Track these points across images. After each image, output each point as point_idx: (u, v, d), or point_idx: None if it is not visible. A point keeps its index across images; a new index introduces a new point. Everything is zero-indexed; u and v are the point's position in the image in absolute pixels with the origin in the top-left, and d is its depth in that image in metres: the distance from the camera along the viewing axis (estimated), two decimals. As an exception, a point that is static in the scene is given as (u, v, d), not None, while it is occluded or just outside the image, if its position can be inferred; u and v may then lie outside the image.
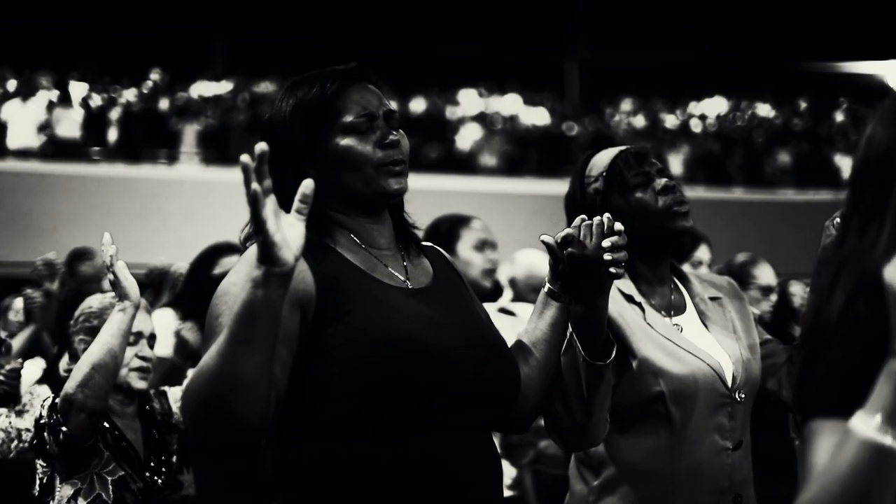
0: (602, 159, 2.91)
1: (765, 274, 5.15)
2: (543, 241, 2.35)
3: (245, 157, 1.79)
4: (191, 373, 4.59)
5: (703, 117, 22.06)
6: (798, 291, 5.41)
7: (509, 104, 21.31)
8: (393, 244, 2.33)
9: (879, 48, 23.25)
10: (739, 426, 2.79)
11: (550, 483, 5.02)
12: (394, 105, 2.38)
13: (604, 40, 23.47)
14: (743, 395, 2.79)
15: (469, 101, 21.11)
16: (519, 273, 6.11)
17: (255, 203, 1.80)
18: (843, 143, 20.82)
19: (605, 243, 2.28)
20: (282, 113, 2.29)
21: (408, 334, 2.10)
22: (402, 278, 2.26)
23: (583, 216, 2.35)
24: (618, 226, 2.31)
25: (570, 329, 2.36)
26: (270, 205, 1.82)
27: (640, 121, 21.34)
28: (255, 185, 1.80)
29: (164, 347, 4.76)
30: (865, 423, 1.33)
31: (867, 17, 22.47)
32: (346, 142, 2.24)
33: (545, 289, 2.41)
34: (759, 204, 17.99)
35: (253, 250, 2.04)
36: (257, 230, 1.82)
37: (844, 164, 20.33)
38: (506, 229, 5.25)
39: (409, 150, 2.31)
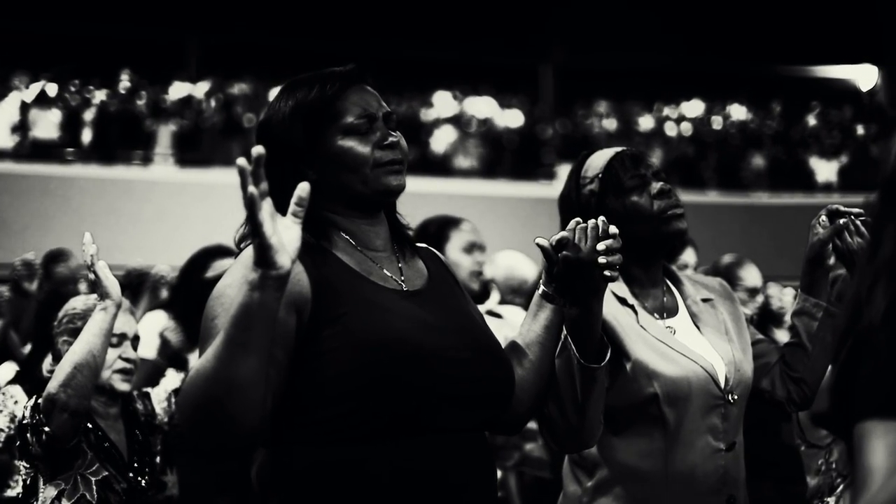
0: (598, 161, 2.92)
1: (751, 275, 5.17)
2: (538, 244, 2.35)
3: (241, 161, 1.79)
4: (170, 372, 4.65)
5: (677, 120, 22.13)
6: (776, 293, 5.44)
7: (484, 106, 21.31)
8: (388, 246, 2.33)
9: (850, 52, 23.40)
10: (732, 427, 2.81)
11: (534, 485, 5.05)
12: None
13: (578, 43, 23.51)
14: (736, 397, 2.81)
15: (443, 103, 21.11)
16: (498, 274, 6.14)
17: (252, 206, 1.80)
18: (816, 147, 20.93)
19: (600, 246, 2.28)
20: (280, 114, 2.28)
21: (403, 337, 2.10)
22: (397, 280, 2.27)
23: (577, 219, 2.36)
24: (612, 229, 2.32)
25: (565, 331, 2.36)
26: (267, 208, 1.82)
27: (614, 123, 21.39)
28: (251, 189, 1.79)
29: (152, 349, 4.79)
30: None
31: (838, 21, 22.61)
32: (346, 143, 2.25)
33: (539, 291, 2.41)
34: (733, 207, 18.10)
35: (248, 252, 2.05)
36: (254, 233, 1.82)
37: (819, 167, 20.45)
38: (482, 231, 5.26)
39: (407, 150, 2.32)
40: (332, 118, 2.26)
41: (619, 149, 2.96)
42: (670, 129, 21.69)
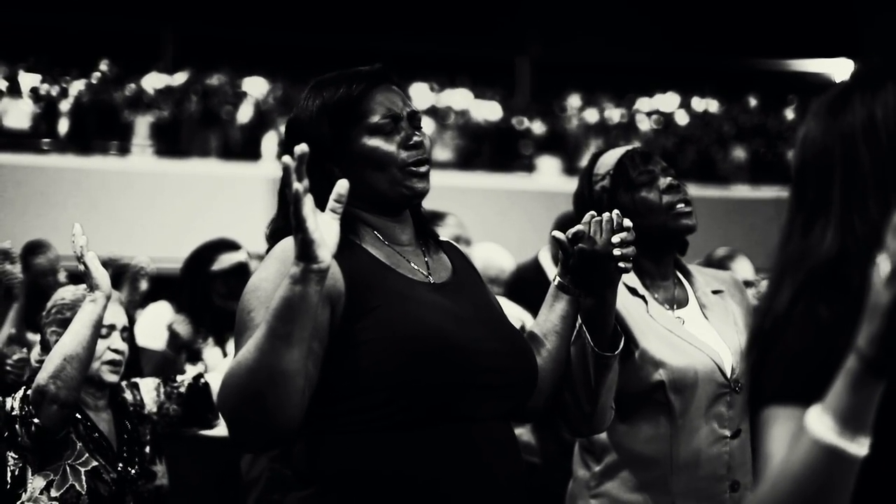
0: (609, 158, 3.02)
1: (743, 268, 5.22)
2: (555, 237, 2.45)
3: (286, 158, 1.85)
4: (187, 367, 4.67)
5: (654, 113, 22.18)
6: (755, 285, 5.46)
7: (461, 99, 21.31)
8: (413, 240, 2.39)
9: (826, 46, 23.50)
10: (738, 415, 2.89)
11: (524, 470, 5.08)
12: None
13: (554, 36, 23.53)
14: (741, 386, 2.89)
15: (420, 95, 21.10)
16: (476, 266, 6.18)
17: (296, 202, 1.85)
18: (794, 140, 20.98)
19: (615, 239, 2.37)
20: (308, 112, 2.34)
21: (435, 329, 2.16)
22: (424, 273, 2.33)
23: (592, 212, 2.44)
24: (627, 222, 2.41)
25: (580, 321, 2.44)
26: (309, 204, 1.87)
27: (592, 116, 21.41)
28: (296, 185, 1.84)
29: (159, 340, 4.83)
30: (820, 422, 1.33)
31: (814, 15, 22.71)
32: (371, 142, 2.30)
33: (555, 282, 2.49)
34: (712, 200, 18.13)
35: (282, 247, 2.15)
36: (298, 228, 1.87)
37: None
38: (459, 223, 5.33)
39: (431, 149, 2.37)
40: (358, 117, 2.31)
41: (629, 147, 3.08)
42: (647, 122, 21.74)
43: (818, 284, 1.51)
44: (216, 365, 4.74)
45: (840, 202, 1.56)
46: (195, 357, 4.80)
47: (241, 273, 5.04)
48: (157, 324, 4.90)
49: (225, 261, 4.99)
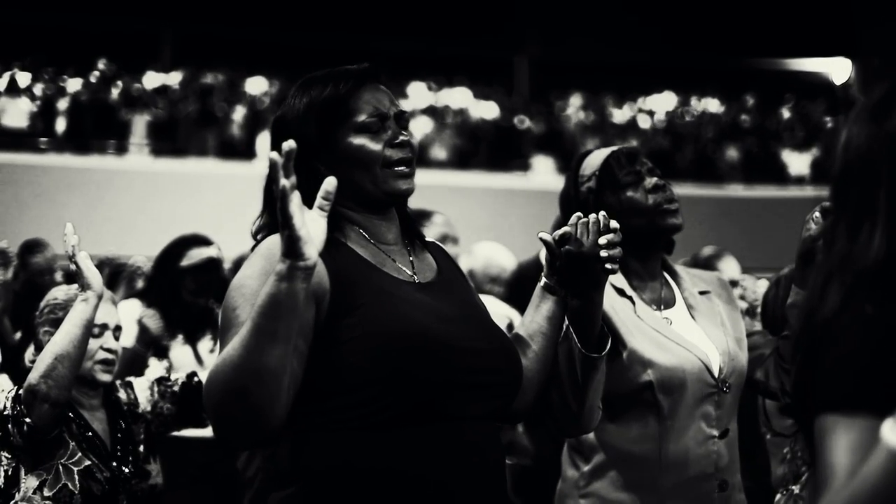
0: (595, 159, 3.03)
1: (730, 267, 5.23)
2: (541, 239, 2.43)
3: (273, 154, 1.86)
4: (153, 362, 4.64)
5: (651, 113, 22.19)
6: (749, 285, 5.47)
7: (459, 97, 21.32)
8: (399, 240, 2.39)
9: (824, 46, 23.52)
10: (726, 415, 2.91)
11: (518, 473, 5.07)
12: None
13: (552, 35, 23.55)
14: (729, 386, 2.90)
15: (419, 94, 21.11)
16: (477, 265, 6.19)
17: (283, 198, 1.85)
18: (790, 140, 21.02)
19: (602, 240, 2.36)
20: (295, 110, 2.34)
21: (420, 327, 2.16)
22: (409, 273, 2.32)
23: (579, 214, 2.43)
24: (613, 223, 2.40)
25: (567, 322, 2.44)
26: (296, 200, 1.87)
27: (589, 115, 21.41)
28: (283, 181, 1.84)
29: (128, 337, 4.79)
30: (895, 433, 1.32)
31: (812, 15, 22.72)
32: (357, 141, 2.30)
33: (542, 283, 2.48)
34: (708, 199, 18.15)
35: (267, 244, 2.15)
36: (285, 224, 1.87)
37: (791, 160, 20.54)
38: (456, 222, 5.32)
39: (417, 149, 2.38)
40: (345, 116, 2.32)
41: (614, 147, 3.08)
42: (645, 121, 21.74)
43: (868, 287, 1.51)
44: (183, 363, 4.73)
45: (887, 205, 1.56)
46: (161, 353, 4.78)
47: (210, 269, 5.03)
48: (126, 321, 4.88)
49: (194, 256, 4.98)
